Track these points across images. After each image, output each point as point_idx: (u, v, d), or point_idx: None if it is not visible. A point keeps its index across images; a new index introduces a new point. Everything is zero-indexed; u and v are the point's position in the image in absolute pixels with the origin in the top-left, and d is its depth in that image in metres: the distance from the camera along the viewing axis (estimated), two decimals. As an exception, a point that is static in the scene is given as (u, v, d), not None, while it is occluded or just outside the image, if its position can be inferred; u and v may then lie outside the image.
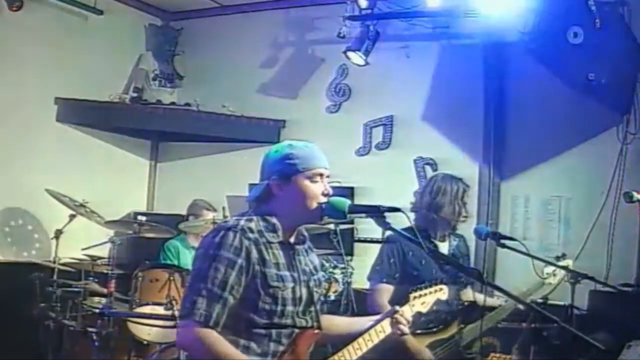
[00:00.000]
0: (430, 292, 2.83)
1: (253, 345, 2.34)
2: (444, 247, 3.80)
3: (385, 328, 2.61)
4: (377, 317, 2.68)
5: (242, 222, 2.38)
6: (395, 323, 2.61)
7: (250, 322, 2.34)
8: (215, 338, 2.27)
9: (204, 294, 2.27)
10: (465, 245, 3.99)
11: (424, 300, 2.80)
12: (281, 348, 2.38)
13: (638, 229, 3.96)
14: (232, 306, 2.30)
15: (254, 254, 2.33)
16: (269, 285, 2.34)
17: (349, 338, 2.59)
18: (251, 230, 2.36)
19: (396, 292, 3.60)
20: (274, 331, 2.36)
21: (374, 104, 6.23)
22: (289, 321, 2.39)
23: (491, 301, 3.76)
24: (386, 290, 3.64)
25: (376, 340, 2.58)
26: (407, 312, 2.68)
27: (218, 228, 2.40)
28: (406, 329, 2.63)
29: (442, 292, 2.86)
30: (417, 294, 2.79)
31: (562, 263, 3.89)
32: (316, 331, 2.48)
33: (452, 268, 3.51)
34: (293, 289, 2.40)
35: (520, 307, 3.55)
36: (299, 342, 2.41)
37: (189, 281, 2.42)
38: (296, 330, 2.41)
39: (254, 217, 2.42)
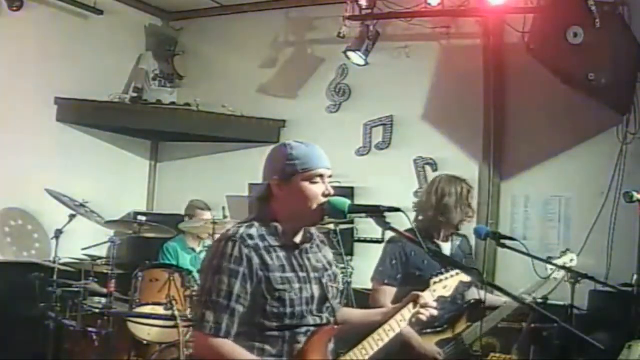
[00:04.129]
0: (452, 276, 2.83)
1: (268, 347, 2.35)
2: (446, 248, 3.80)
3: (405, 316, 2.60)
4: (396, 306, 2.66)
5: (241, 230, 2.37)
6: (418, 310, 2.60)
7: (262, 326, 2.34)
8: (229, 346, 2.29)
9: (210, 306, 2.29)
10: (469, 245, 4.01)
11: (446, 284, 2.80)
12: (298, 347, 2.37)
13: (638, 229, 3.95)
14: (242, 314, 2.31)
15: (256, 260, 2.33)
16: (275, 289, 2.33)
17: (364, 329, 2.57)
18: (251, 237, 2.35)
19: (399, 293, 3.61)
20: (287, 332, 2.36)
21: (374, 104, 6.23)
22: (302, 321, 2.38)
23: (494, 299, 3.75)
24: (387, 292, 3.65)
25: (397, 330, 2.56)
26: (428, 297, 2.67)
27: (220, 238, 2.42)
28: (428, 313, 2.61)
29: (463, 275, 2.85)
30: (437, 279, 2.79)
31: (566, 257, 3.88)
32: (332, 327, 2.46)
33: (456, 267, 3.52)
34: (300, 289, 2.38)
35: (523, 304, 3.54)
36: (315, 340, 2.40)
37: (197, 292, 2.44)
38: (312, 329, 2.40)
39: (255, 223, 2.41)
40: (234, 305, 2.29)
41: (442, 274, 2.82)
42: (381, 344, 2.52)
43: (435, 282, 2.78)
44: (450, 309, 3.62)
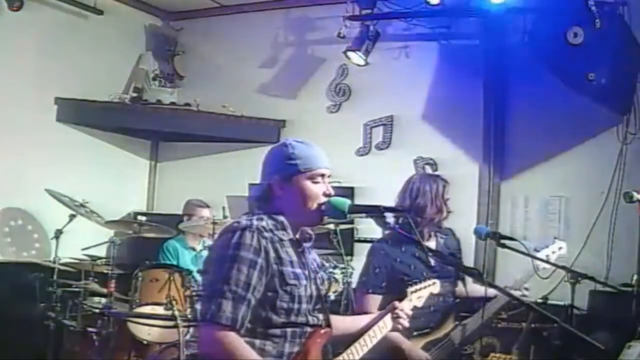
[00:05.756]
0: (425, 287, 2.99)
1: (268, 346, 2.32)
2: (431, 246, 3.75)
3: (387, 324, 2.71)
4: (378, 313, 2.77)
5: (255, 222, 2.34)
6: (396, 318, 2.73)
7: (269, 321, 2.31)
8: (239, 343, 2.23)
9: (228, 296, 2.22)
10: (455, 239, 3.92)
11: (420, 295, 2.95)
12: (296, 348, 2.36)
13: (638, 229, 3.95)
14: (253, 307, 2.27)
15: (271, 252, 2.31)
16: (287, 283, 2.32)
17: (349, 336, 2.63)
18: (265, 229, 2.33)
19: (388, 299, 3.55)
20: (289, 330, 2.34)
21: (374, 104, 6.23)
22: (303, 319, 2.38)
23: (477, 289, 3.70)
24: (372, 300, 3.55)
25: (380, 337, 2.66)
26: (406, 306, 2.80)
27: (232, 228, 2.34)
28: (406, 323, 2.75)
29: (435, 286, 3.04)
30: (413, 289, 2.93)
31: (555, 246, 3.82)
32: (328, 330, 2.47)
33: (441, 268, 3.50)
34: (305, 286, 2.39)
35: (515, 294, 3.48)
36: (312, 341, 2.40)
37: (207, 282, 2.37)
38: (308, 329, 2.40)
39: (264, 216, 2.39)
40: (250, 296, 2.24)
41: (417, 283, 2.94)
42: (366, 349, 2.61)
43: (411, 292, 2.90)
44: (441, 308, 3.58)
